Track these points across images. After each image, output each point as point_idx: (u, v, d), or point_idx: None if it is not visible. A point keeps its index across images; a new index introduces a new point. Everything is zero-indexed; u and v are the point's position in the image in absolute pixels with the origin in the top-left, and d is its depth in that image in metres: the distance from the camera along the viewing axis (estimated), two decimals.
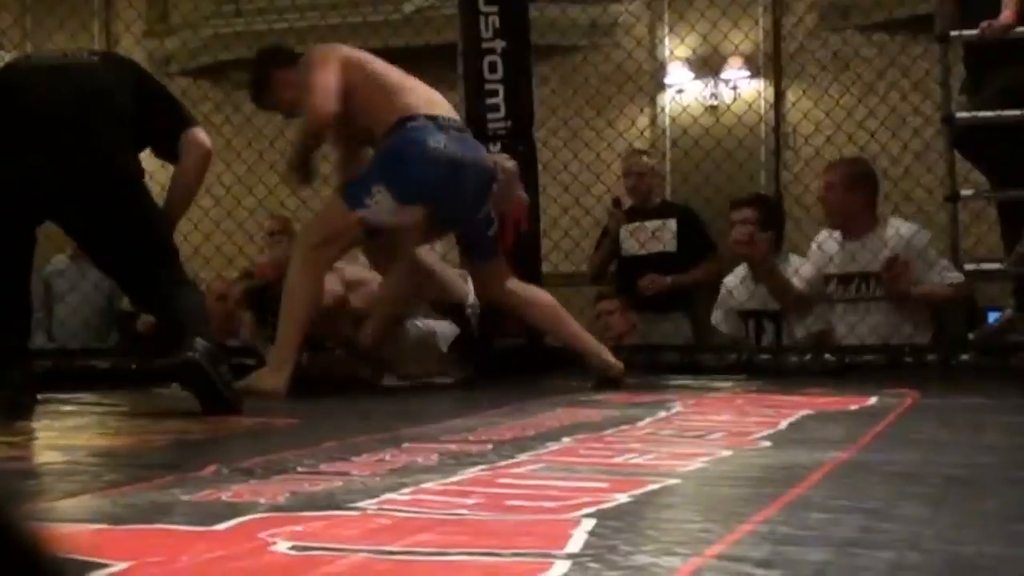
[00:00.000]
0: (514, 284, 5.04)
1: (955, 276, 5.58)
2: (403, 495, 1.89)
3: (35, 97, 4.08)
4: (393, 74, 4.86)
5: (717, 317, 6.40)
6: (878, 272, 5.63)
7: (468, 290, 5.24)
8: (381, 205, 4.58)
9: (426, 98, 4.82)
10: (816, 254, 5.91)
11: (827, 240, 5.87)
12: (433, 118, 4.67)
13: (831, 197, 5.84)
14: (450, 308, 5.17)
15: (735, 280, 6.26)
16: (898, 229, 5.69)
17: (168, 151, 4.38)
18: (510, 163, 5.16)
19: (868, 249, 5.67)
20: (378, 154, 4.72)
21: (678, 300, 7.01)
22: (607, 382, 4.76)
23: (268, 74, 4.96)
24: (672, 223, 7.10)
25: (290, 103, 4.92)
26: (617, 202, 7.28)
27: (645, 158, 7.39)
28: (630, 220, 7.14)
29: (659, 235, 7.06)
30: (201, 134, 4.38)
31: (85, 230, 4.23)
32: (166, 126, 4.33)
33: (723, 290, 6.37)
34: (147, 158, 4.34)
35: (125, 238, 4.09)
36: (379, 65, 4.88)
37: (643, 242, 7.04)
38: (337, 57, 4.79)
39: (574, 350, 5.01)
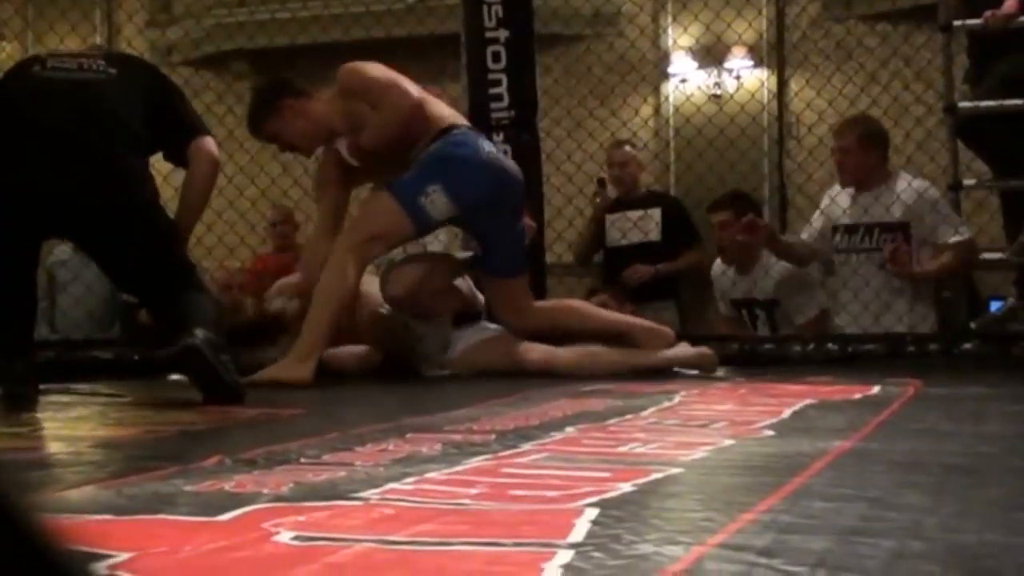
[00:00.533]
0: (540, 303, 5.13)
1: (964, 232, 5.59)
2: (406, 485, 1.89)
3: (49, 119, 4.08)
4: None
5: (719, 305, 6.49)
6: (884, 223, 5.66)
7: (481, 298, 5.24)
8: (436, 204, 4.63)
9: (452, 111, 4.92)
10: (829, 207, 5.94)
11: (840, 193, 5.90)
12: (471, 128, 4.79)
13: (845, 160, 5.88)
14: (467, 316, 5.15)
15: (718, 271, 6.37)
16: (910, 183, 5.71)
17: (178, 158, 4.40)
18: None
19: (880, 202, 5.69)
20: (427, 157, 4.72)
21: (664, 289, 7.03)
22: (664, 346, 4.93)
23: (280, 102, 4.87)
24: (656, 212, 7.13)
25: (301, 133, 4.89)
26: (602, 182, 7.32)
27: (628, 148, 7.40)
28: (615, 210, 7.17)
29: (643, 225, 7.09)
30: (209, 143, 4.39)
31: (100, 253, 4.27)
32: (176, 136, 4.35)
33: (713, 279, 6.47)
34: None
35: (141, 263, 4.13)
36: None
37: (628, 232, 7.07)
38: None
39: (620, 333, 5.06)
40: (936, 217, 5.61)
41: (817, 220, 5.95)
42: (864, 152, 5.78)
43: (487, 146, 4.86)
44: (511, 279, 4.98)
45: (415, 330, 4.99)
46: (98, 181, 4.03)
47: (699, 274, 6.75)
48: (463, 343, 5.00)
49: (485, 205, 4.78)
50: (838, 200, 5.88)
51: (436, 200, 4.62)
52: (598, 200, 7.28)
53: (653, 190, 7.78)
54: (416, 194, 4.62)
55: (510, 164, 4.97)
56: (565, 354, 4.95)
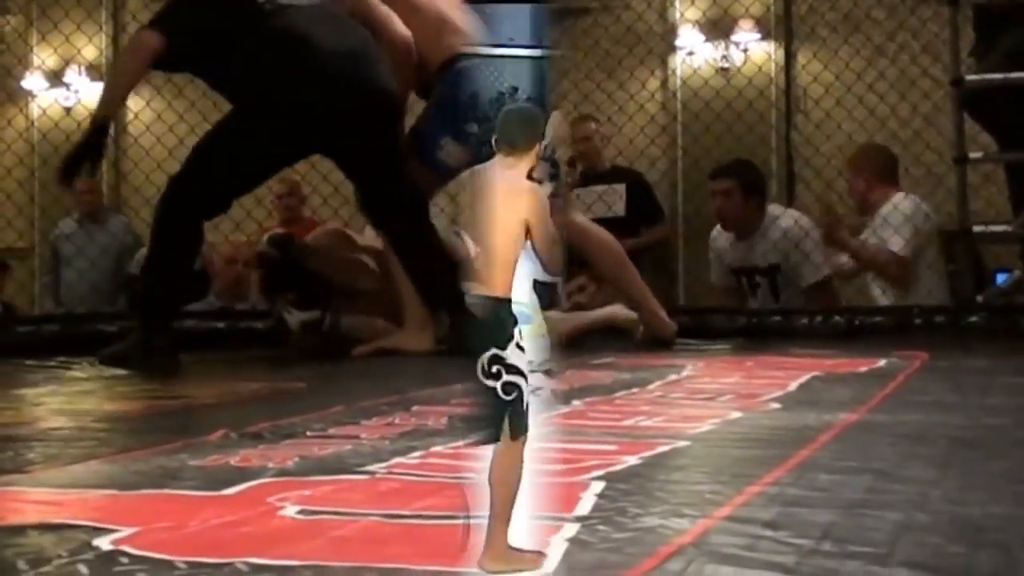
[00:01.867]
0: (581, 218, 5.09)
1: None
2: (412, 459, 1.89)
3: (332, 43, 4.35)
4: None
5: (713, 273, 6.49)
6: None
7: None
8: (452, 154, 4.68)
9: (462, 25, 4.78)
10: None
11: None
12: (474, 53, 4.69)
13: (850, 186, 6.17)
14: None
15: (716, 238, 6.36)
16: (896, 205, 5.82)
17: None
18: None
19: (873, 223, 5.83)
20: (435, 103, 4.80)
21: None
22: (659, 342, 4.84)
23: None
24: (621, 188, 7.10)
25: None
26: (572, 162, 7.29)
27: (592, 124, 7.37)
28: (580, 185, 7.16)
29: (608, 199, 7.07)
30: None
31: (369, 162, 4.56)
32: None
33: (711, 246, 6.46)
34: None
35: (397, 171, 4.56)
36: None
37: (592, 205, 7.05)
38: None
39: (631, 302, 5.03)
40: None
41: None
42: (856, 176, 6.05)
43: (488, 76, 4.72)
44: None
45: None
46: (378, 97, 4.44)
47: (663, 250, 6.73)
48: None
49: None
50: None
51: (451, 151, 4.66)
52: (569, 180, 7.28)
53: (617, 165, 7.70)
54: (433, 149, 4.69)
55: (518, 77, 4.77)
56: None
